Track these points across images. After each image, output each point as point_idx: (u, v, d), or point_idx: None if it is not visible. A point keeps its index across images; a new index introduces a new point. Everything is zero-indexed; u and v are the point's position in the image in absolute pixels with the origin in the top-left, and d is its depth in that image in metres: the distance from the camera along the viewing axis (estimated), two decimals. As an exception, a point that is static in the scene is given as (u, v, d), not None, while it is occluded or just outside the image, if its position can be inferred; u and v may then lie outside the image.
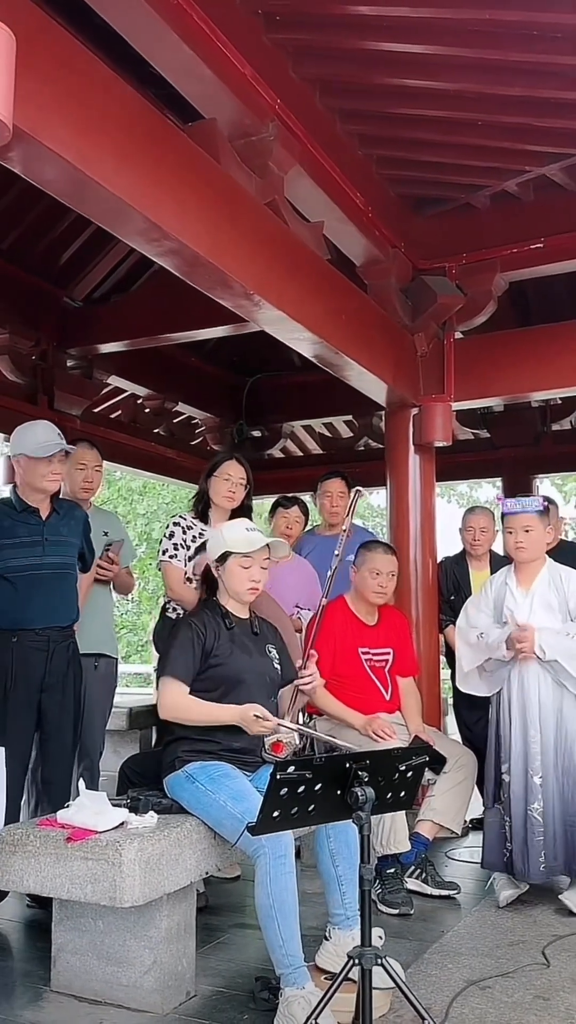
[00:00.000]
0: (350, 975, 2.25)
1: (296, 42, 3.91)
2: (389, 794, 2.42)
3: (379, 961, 2.20)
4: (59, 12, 3.46)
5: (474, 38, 3.62)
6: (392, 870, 3.70)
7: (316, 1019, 2.23)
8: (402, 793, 2.47)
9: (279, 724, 2.85)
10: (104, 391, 7.22)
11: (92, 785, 4.03)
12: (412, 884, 3.78)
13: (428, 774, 3.86)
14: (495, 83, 3.89)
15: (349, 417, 8.29)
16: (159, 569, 4.10)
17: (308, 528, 5.11)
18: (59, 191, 2.89)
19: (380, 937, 2.86)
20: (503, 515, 3.85)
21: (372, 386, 4.98)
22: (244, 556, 3.06)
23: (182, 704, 2.93)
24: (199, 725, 2.92)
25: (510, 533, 3.76)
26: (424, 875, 3.82)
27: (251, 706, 2.84)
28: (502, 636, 3.66)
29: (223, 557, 3.09)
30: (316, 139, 4.15)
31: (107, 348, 6.33)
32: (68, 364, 6.47)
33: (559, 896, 3.61)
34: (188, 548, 3.89)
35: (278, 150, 3.83)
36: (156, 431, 7.90)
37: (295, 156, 3.99)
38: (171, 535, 3.94)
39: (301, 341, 4.25)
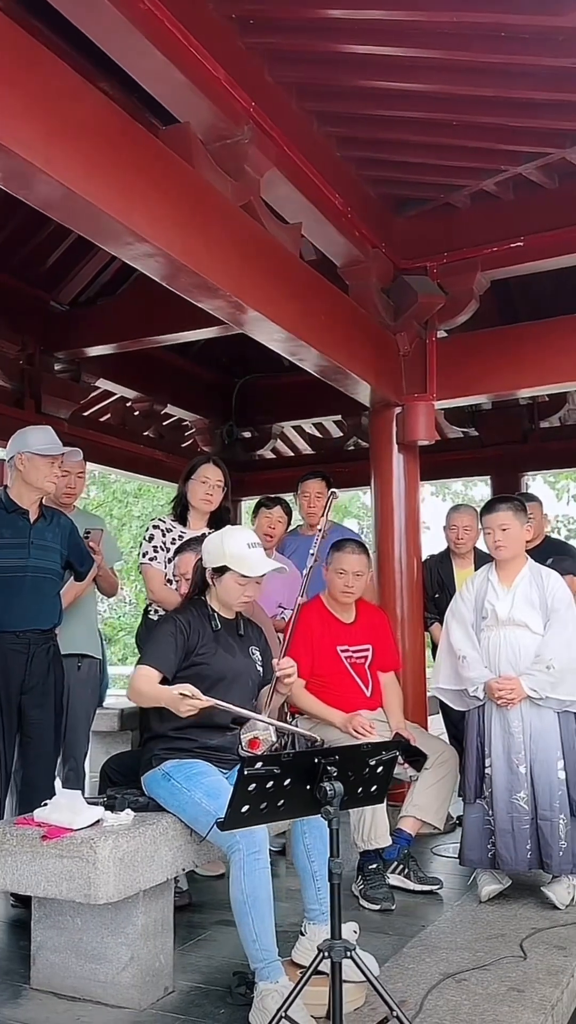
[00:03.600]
0: (323, 968, 2.28)
1: (271, 46, 3.95)
2: (359, 789, 2.44)
3: (348, 954, 2.22)
4: (33, 17, 3.51)
5: (445, 40, 3.67)
6: (374, 866, 3.72)
7: (286, 1012, 2.25)
8: (373, 788, 2.50)
9: (215, 704, 2.78)
10: (92, 394, 7.26)
11: (78, 785, 4.07)
12: (394, 880, 3.80)
13: (411, 771, 3.88)
14: (468, 84, 3.93)
15: (338, 417, 8.32)
16: (139, 572, 4.13)
17: (291, 528, 5.14)
18: (31, 198, 2.92)
19: (354, 931, 2.88)
20: (481, 515, 3.88)
21: (354, 386, 5.02)
22: (243, 575, 3.04)
23: (143, 689, 2.90)
24: (168, 712, 2.90)
25: (488, 533, 3.79)
26: (406, 871, 3.84)
27: (181, 686, 2.78)
28: (480, 678, 3.67)
29: (221, 569, 3.06)
30: (293, 141, 4.18)
31: (94, 351, 6.37)
32: (55, 368, 6.51)
33: (541, 888, 3.63)
34: (168, 550, 3.93)
35: (254, 153, 3.87)
36: (145, 433, 7.94)
37: (271, 159, 4.02)
38: (151, 538, 3.98)
39: (280, 343, 4.29)
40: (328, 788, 2.26)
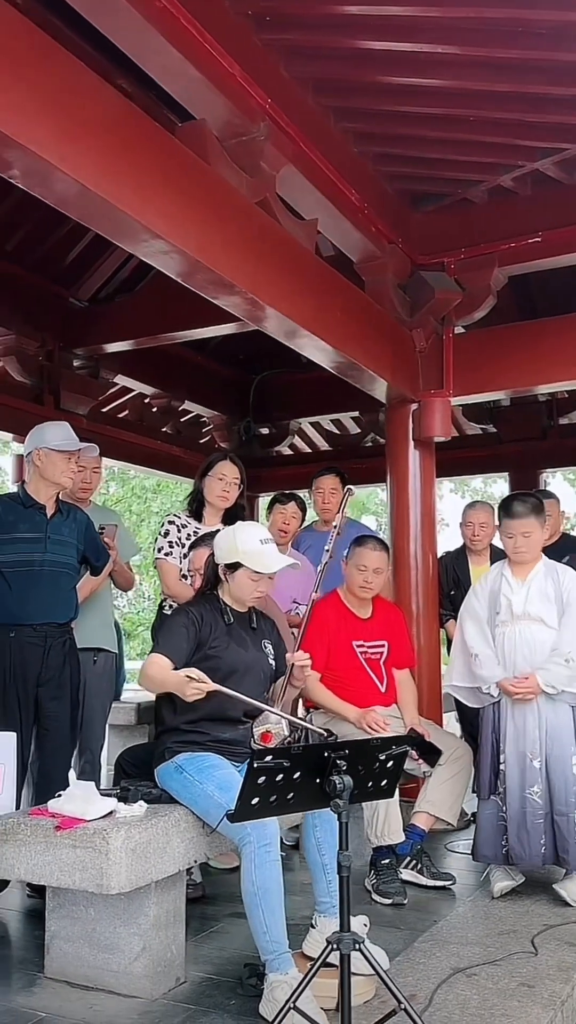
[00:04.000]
0: (333, 961, 2.29)
1: (286, 42, 3.96)
2: (370, 783, 2.46)
3: (357, 946, 2.24)
4: (51, 14, 3.54)
5: (463, 35, 3.66)
6: (387, 861, 3.73)
7: (295, 1003, 2.27)
8: (383, 782, 2.51)
9: (220, 690, 2.79)
10: (111, 390, 7.30)
11: (94, 777, 4.10)
12: (407, 875, 3.81)
13: (425, 766, 3.89)
14: (485, 79, 3.92)
15: (356, 413, 8.31)
16: (155, 567, 4.16)
17: (306, 524, 5.15)
18: (49, 196, 2.95)
19: (364, 924, 2.90)
20: (500, 517, 3.83)
21: (371, 382, 5.02)
22: (256, 572, 3.05)
23: (152, 674, 2.91)
24: (181, 705, 2.92)
25: (510, 537, 3.75)
26: (419, 866, 3.85)
27: (188, 669, 2.80)
28: (493, 677, 3.66)
29: (233, 565, 3.07)
30: (309, 137, 4.18)
31: (113, 348, 6.40)
32: (74, 364, 6.55)
33: (553, 886, 3.63)
34: (183, 546, 3.97)
35: (269, 149, 3.88)
36: (163, 429, 7.98)
37: (287, 155, 4.03)
38: (166, 533, 4.02)
39: (298, 339, 4.30)
40: (337, 782, 2.27)
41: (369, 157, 4.81)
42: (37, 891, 3.57)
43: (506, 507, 3.79)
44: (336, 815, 2.29)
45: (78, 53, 2.97)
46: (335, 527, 3.40)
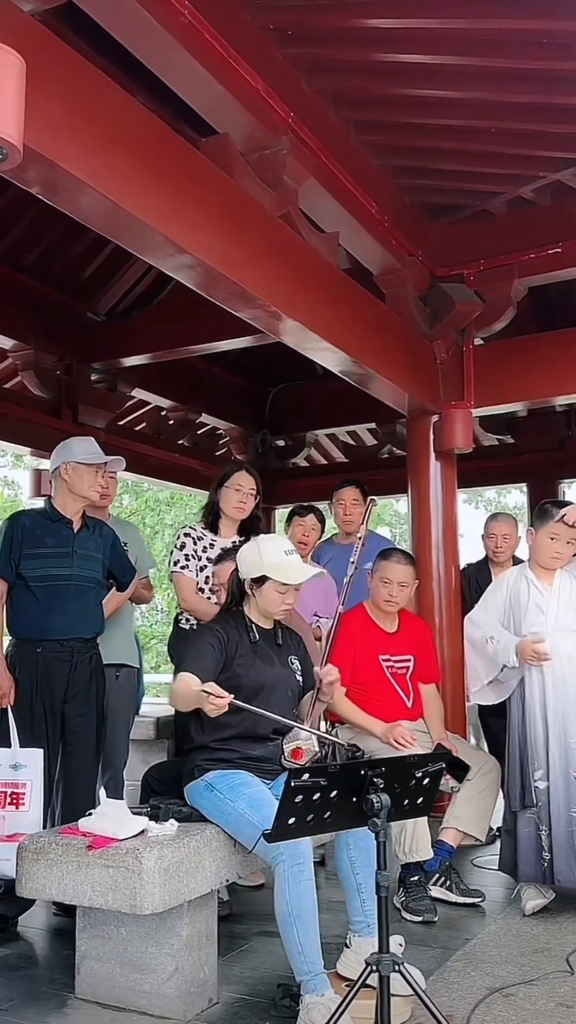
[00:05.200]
0: (369, 981, 2.26)
1: (308, 56, 3.96)
2: (406, 801, 2.43)
3: (397, 968, 2.20)
4: (71, 32, 3.55)
5: (484, 47, 3.66)
6: (416, 878, 3.69)
7: (335, 1025, 2.24)
8: (419, 800, 2.48)
9: (239, 705, 2.78)
10: (128, 403, 7.30)
11: (117, 795, 4.07)
12: (436, 892, 3.77)
13: (452, 782, 3.85)
14: (507, 91, 3.92)
15: (372, 425, 8.29)
16: (171, 580, 4.13)
17: (326, 537, 5.13)
18: (75, 211, 2.95)
19: (400, 944, 2.86)
20: (541, 519, 3.79)
21: (391, 394, 5.00)
22: (283, 584, 3.04)
23: (177, 691, 2.90)
24: (209, 723, 2.91)
25: (553, 540, 3.73)
26: (448, 883, 3.81)
27: (206, 684, 2.77)
28: (510, 643, 3.65)
29: (260, 579, 3.06)
30: (330, 150, 4.19)
31: (130, 361, 6.41)
32: (92, 378, 6.56)
33: (586, 903, 3.59)
34: (199, 559, 3.94)
35: (292, 163, 3.88)
36: (180, 442, 7.98)
37: (309, 168, 4.04)
38: (182, 546, 3.98)
39: (319, 351, 4.29)
40: (375, 800, 2.24)
41: (388, 170, 4.81)
42: (64, 910, 3.55)
43: (544, 512, 3.76)
44: (374, 834, 2.27)
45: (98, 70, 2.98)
46: (359, 539, 3.38)
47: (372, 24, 3.66)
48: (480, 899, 3.78)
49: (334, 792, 2.24)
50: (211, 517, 4.05)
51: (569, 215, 4.91)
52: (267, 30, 3.78)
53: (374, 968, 2.20)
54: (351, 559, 3.09)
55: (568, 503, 3.83)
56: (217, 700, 2.73)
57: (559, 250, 5.00)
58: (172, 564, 3.98)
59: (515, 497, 17.81)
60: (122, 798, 4.17)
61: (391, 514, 18.92)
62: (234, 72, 3.51)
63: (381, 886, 2.22)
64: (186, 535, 4.03)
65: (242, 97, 3.58)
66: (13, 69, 2.06)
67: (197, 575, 3.93)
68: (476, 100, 4.04)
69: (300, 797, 2.20)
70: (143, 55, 3.28)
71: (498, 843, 3.98)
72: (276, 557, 3.04)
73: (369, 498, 3.50)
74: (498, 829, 4.16)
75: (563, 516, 3.69)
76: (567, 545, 3.70)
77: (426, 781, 2.45)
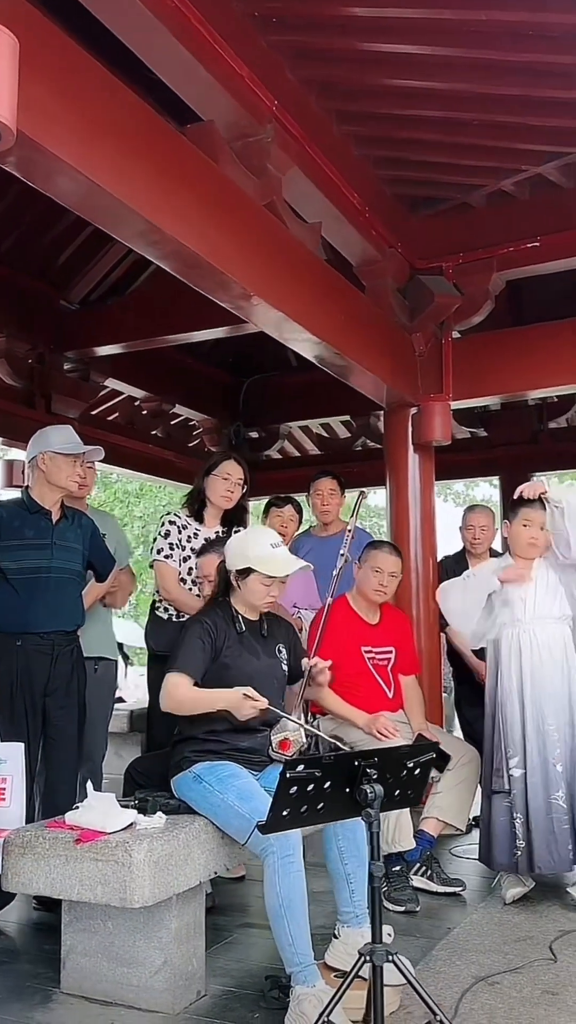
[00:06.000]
0: (360, 972, 2.26)
1: (292, 44, 3.93)
2: (397, 791, 2.43)
3: (390, 958, 2.21)
4: (56, 15, 3.47)
5: (470, 38, 3.64)
6: (398, 868, 3.71)
7: (328, 1017, 2.23)
8: (409, 790, 2.48)
9: (270, 709, 2.84)
10: (101, 393, 7.23)
11: (95, 787, 4.04)
12: (418, 881, 3.79)
13: (432, 772, 3.86)
14: (491, 83, 3.91)
15: (346, 417, 8.31)
16: (151, 567, 4.06)
17: (303, 529, 5.12)
18: (60, 195, 2.90)
19: (389, 934, 2.86)
20: (517, 508, 3.82)
21: (371, 386, 5.00)
22: (268, 576, 3.03)
23: (186, 697, 2.91)
24: (197, 714, 2.91)
25: (526, 526, 3.77)
26: (430, 872, 3.83)
27: (241, 688, 2.83)
28: (489, 570, 3.78)
29: (245, 571, 3.05)
30: (313, 140, 4.16)
31: (104, 351, 6.35)
32: (65, 367, 6.49)
33: (567, 889, 3.63)
34: (183, 548, 3.89)
35: (276, 151, 3.85)
36: (153, 433, 7.92)
37: (293, 157, 4.01)
38: (166, 534, 3.91)
39: (300, 342, 4.26)
40: (369, 791, 2.24)
41: (370, 160, 4.79)
42: (44, 904, 3.51)
43: (526, 500, 3.81)
44: (367, 824, 2.27)
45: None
46: (349, 532, 3.38)
47: (357, 13, 3.62)
48: (461, 888, 3.81)
49: (328, 783, 2.24)
50: (196, 505, 3.99)
51: (548, 209, 4.92)
52: (251, 17, 3.73)
53: (368, 959, 2.20)
54: (341, 552, 3.10)
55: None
56: (257, 704, 2.80)
57: (537, 244, 5.01)
58: (155, 552, 3.91)
59: (483, 490, 17.94)
60: (101, 792, 4.14)
61: (364, 506, 18.95)
62: (219, 58, 3.47)
63: (374, 876, 2.22)
64: (171, 522, 3.95)
65: (227, 84, 3.54)
66: (6, 49, 2.02)
67: (180, 565, 3.88)
68: (460, 92, 4.03)
69: (295, 788, 2.19)
70: (129, 39, 3.22)
71: (475, 832, 4.02)
72: (262, 549, 3.04)
73: (359, 491, 3.51)
74: (475, 819, 4.20)
75: (520, 494, 3.75)
76: (541, 531, 3.74)
77: (417, 771, 2.46)
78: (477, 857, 3.87)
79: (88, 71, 2.81)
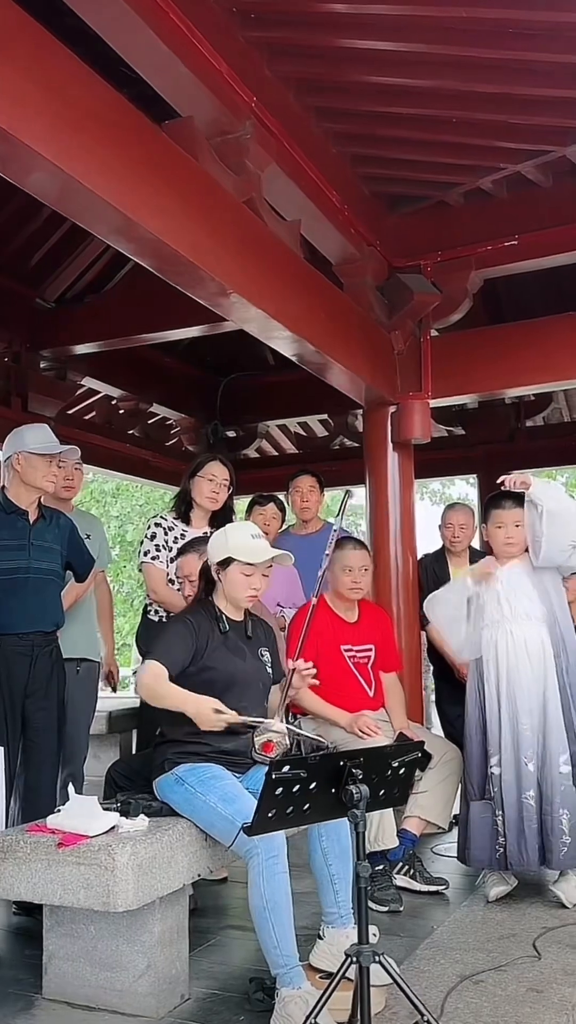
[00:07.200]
0: (346, 973, 2.24)
1: (271, 40, 3.91)
2: (382, 791, 2.41)
3: (376, 958, 2.19)
4: (30, 9, 3.43)
5: (450, 35, 3.63)
6: (381, 867, 3.70)
7: (315, 1018, 2.22)
8: (395, 790, 2.47)
9: (243, 721, 2.81)
10: (78, 392, 7.17)
11: (77, 790, 4.00)
12: (401, 881, 3.78)
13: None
14: (471, 80, 3.90)
15: (324, 416, 8.29)
16: (139, 570, 4.06)
17: (283, 528, 5.11)
18: (36, 189, 2.86)
19: (374, 935, 2.85)
20: (490, 510, 3.83)
21: (350, 384, 4.99)
22: (247, 564, 3.00)
23: (159, 687, 2.86)
24: (179, 715, 2.87)
25: (500, 528, 3.77)
26: (412, 871, 3.82)
27: (210, 700, 2.79)
28: (464, 578, 3.83)
29: (225, 562, 3.03)
30: (292, 137, 4.14)
31: (81, 349, 6.29)
32: (41, 366, 6.42)
33: (550, 887, 3.63)
34: (170, 549, 3.87)
35: (255, 148, 3.83)
36: (131, 432, 7.86)
37: (272, 154, 3.99)
38: (153, 536, 3.91)
39: (279, 340, 4.24)
40: (354, 791, 2.22)
41: (348, 158, 4.78)
42: (24, 908, 3.47)
43: (495, 501, 3.83)
44: (352, 825, 2.25)
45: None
46: (335, 531, 3.37)
47: (336, 9, 3.61)
48: (444, 887, 3.81)
49: (313, 784, 2.22)
50: (183, 507, 3.99)
51: (526, 207, 4.94)
52: (230, 12, 3.71)
53: (354, 959, 2.18)
54: (326, 552, 3.08)
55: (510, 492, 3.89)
56: (225, 718, 2.77)
57: (515, 242, 5.03)
58: (143, 554, 3.91)
59: (460, 488, 18.00)
60: (81, 794, 4.10)
61: (338, 505, 18.95)
62: (198, 53, 3.44)
63: (360, 876, 2.20)
64: (157, 524, 3.96)
65: (206, 80, 3.51)
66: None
67: (167, 566, 3.86)
68: (439, 89, 4.03)
69: (280, 789, 2.17)
70: (107, 34, 3.19)
71: (456, 831, 4.02)
72: (242, 540, 3.04)
73: (345, 490, 3.50)
74: (455, 817, 4.20)
75: (502, 483, 3.76)
76: (516, 528, 3.74)
77: (402, 771, 2.45)
78: (458, 856, 3.87)
79: (66, 64, 2.78)
